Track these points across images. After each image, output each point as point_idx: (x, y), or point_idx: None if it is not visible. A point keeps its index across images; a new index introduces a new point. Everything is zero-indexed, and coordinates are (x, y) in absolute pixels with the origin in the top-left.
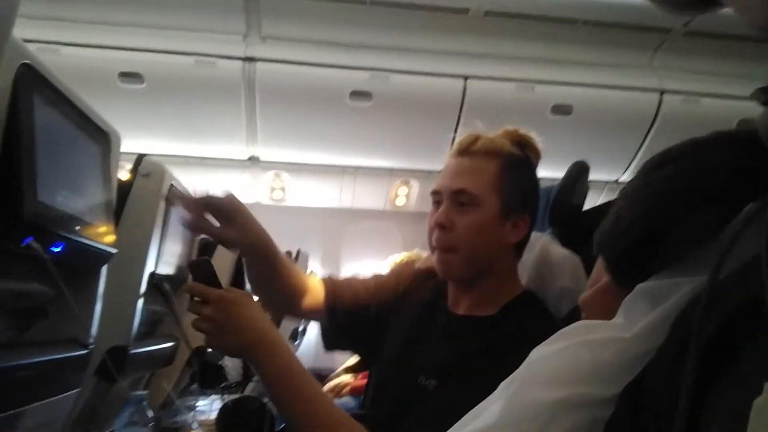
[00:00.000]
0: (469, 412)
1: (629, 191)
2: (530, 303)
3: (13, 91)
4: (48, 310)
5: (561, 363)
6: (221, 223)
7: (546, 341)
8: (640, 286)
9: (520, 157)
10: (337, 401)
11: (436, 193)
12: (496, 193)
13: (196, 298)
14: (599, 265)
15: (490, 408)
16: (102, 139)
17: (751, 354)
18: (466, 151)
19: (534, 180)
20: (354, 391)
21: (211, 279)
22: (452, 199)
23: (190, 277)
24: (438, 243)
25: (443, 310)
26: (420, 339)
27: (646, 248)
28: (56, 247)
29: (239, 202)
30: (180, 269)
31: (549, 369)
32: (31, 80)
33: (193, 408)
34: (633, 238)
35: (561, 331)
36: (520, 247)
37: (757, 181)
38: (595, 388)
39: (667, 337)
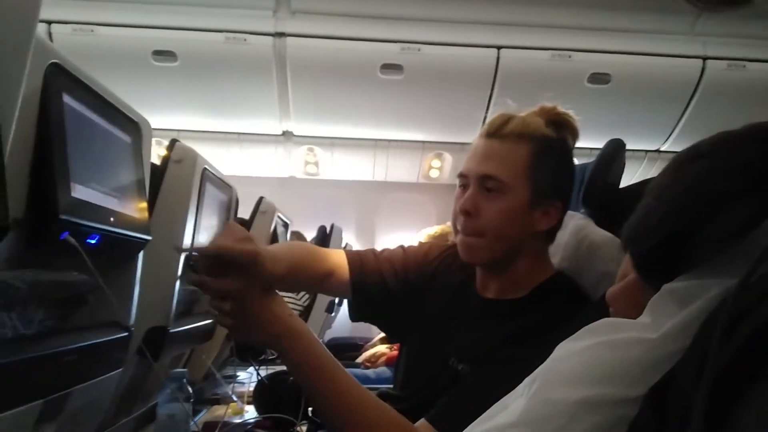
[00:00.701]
0: (495, 405)
1: (658, 186)
2: (563, 285)
3: (43, 91)
4: (88, 298)
5: (585, 362)
6: (240, 275)
7: (572, 337)
8: (667, 286)
9: (555, 140)
10: (373, 370)
11: (462, 176)
12: (527, 180)
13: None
14: (627, 260)
15: (514, 404)
16: (132, 129)
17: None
18: (496, 132)
19: (570, 164)
20: (389, 361)
21: (226, 269)
22: (479, 184)
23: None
24: (463, 229)
25: (472, 293)
26: (450, 322)
27: (673, 246)
28: (92, 239)
29: (254, 249)
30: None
31: (573, 367)
32: (60, 79)
33: (233, 380)
34: (660, 236)
35: (587, 327)
36: (552, 232)
37: None
38: (620, 388)
39: (693, 341)
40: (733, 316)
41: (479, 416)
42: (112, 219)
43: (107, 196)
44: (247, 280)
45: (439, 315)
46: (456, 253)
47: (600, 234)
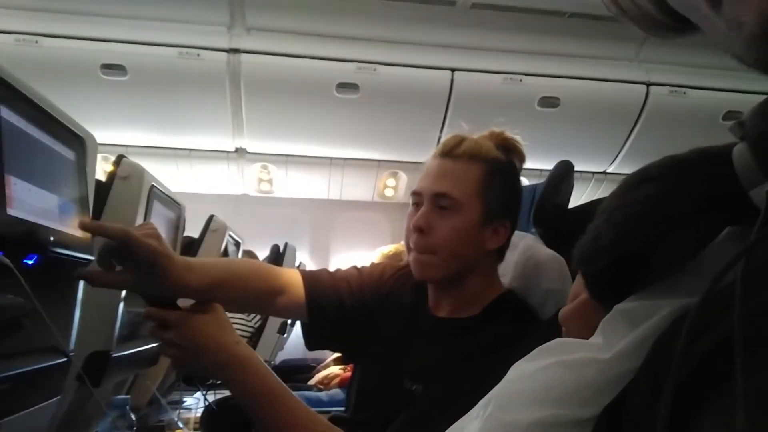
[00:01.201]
0: (450, 428)
1: (609, 208)
2: (513, 303)
3: None
4: (23, 322)
5: (538, 383)
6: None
7: (525, 357)
8: (618, 306)
9: (505, 162)
10: (325, 393)
11: (416, 194)
12: (478, 199)
13: (154, 324)
14: (579, 280)
15: (468, 426)
16: (77, 144)
17: (719, 401)
18: (449, 153)
19: (517, 186)
20: (343, 383)
21: (166, 301)
22: (433, 202)
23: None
24: (416, 246)
25: (425, 313)
26: (404, 343)
27: (624, 268)
28: (29, 259)
29: (160, 247)
30: None
31: (526, 389)
32: None
33: (180, 405)
34: (611, 258)
35: (540, 347)
36: (501, 250)
37: (734, 204)
38: (574, 410)
39: (644, 362)
40: (693, 331)
41: None
42: (52, 238)
43: (48, 214)
44: (142, 279)
45: (393, 335)
46: (409, 273)
47: (545, 252)
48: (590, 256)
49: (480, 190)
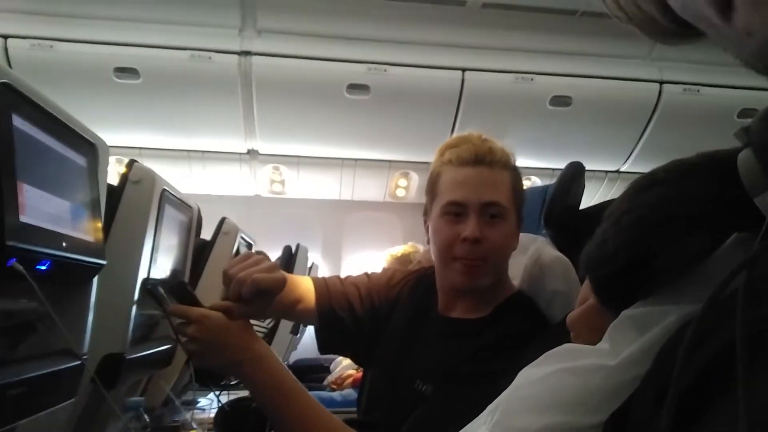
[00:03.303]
0: None
1: (616, 212)
2: (523, 304)
3: None
4: (37, 326)
5: (546, 389)
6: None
7: (533, 363)
8: (626, 312)
9: (519, 170)
10: (339, 393)
11: (457, 205)
12: (514, 205)
13: (179, 320)
14: (587, 284)
15: (477, 431)
16: (88, 150)
17: (722, 409)
18: (483, 161)
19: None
20: (356, 383)
21: (190, 299)
22: (481, 212)
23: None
24: (469, 255)
25: (435, 315)
26: (413, 344)
27: (631, 274)
28: (42, 265)
29: (283, 276)
30: (175, 272)
31: (533, 395)
32: (10, 99)
33: (193, 405)
34: (618, 263)
35: (547, 353)
36: None
37: (741, 210)
38: (581, 416)
39: (649, 370)
40: (695, 341)
41: None
42: (64, 244)
43: (60, 220)
44: (266, 305)
45: (403, 338)
46: (418, 278)
47: (550, 254)
48: (597, 261)
49: (514, 197)
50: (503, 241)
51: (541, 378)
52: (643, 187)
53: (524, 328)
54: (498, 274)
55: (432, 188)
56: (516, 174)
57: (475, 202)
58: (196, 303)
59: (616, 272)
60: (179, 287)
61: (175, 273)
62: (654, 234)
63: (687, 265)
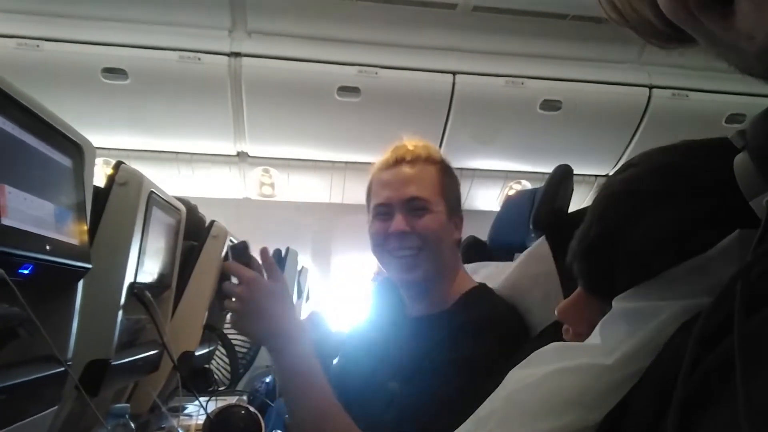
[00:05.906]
0: None
1: (596, 198)
2: (484, 293)
3: None
4: (19, 331)
5: (542, 393)
6: None
7: (521, 363)
8: (617, 306)
9: (447, 162)
10: None
11: (383, 206)
12: (441, 196)
13: (233, 279)
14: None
15: None
16: (74, 151)
17: (721, 411)
18: (403, 159)
19: (458, 182)
20: None
21: (246, 261)
22: (406, 208)
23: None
24: (401, 247)
25: (402, 317)
26: (384, 347)
27: (604, 249)
28: (24, 269)
29: None
30: (162, 276)
31: (529, 399)
32: None
33: (180, 412)
34: (590, 238)
35: (537, 352)
36: (458, 246)
37: (715, 187)
38: (578, 417)
39: (648, 371)
40: (698, 347)
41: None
42: (48, 247)
43: (43, 223)
44: None
45: (375, 343)
46: (386, 286)
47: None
48: (577, 239)
49: (440, 188)
50: (432, 228)
51: (534, 381)
52: (619, 170)
53: (485, 312)
54: (439, 264)
55: (368, 198)
56: (443, 166)
57: (398, 199)
58: (253, 267)
59: (590, 247)
60: (241, 246)
61: (163, 276)
62: (621, 205)
63: (659, 241)
